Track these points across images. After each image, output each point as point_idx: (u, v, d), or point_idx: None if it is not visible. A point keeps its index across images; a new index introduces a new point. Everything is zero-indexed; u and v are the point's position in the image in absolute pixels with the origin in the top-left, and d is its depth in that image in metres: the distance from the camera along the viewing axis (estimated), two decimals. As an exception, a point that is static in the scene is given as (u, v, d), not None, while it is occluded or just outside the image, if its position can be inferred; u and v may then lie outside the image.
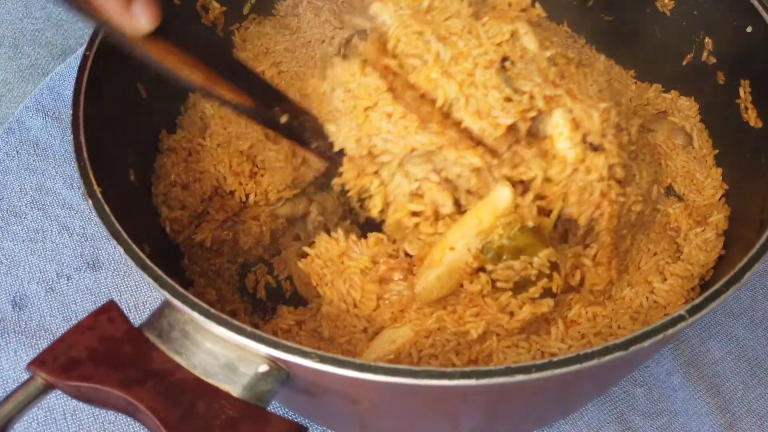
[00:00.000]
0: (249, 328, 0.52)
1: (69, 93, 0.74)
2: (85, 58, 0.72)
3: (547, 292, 0.68)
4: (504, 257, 0.67)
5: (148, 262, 0.56)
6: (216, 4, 0.94)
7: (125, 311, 0.56)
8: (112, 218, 0.59)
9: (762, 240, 0.55)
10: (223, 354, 0.54)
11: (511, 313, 0.69)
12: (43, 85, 1.13)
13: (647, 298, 0.72)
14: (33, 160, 1.06)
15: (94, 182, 0.62)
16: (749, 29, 0.75)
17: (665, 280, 0.73)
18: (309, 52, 0.94)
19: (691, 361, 0.86)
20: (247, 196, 0.83)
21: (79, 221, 1.01)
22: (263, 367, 0.54)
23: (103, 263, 0.97)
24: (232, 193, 0.83)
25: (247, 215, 0.86)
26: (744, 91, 0.78)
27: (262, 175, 0.84)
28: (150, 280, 0.55)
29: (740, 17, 0.76)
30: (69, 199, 1.03)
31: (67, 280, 0.97)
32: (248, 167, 0.84)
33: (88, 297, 0.95)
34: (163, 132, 0.88)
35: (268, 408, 0.54)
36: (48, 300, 0.94)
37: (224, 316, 0.53)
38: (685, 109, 0.89)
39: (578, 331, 0.69)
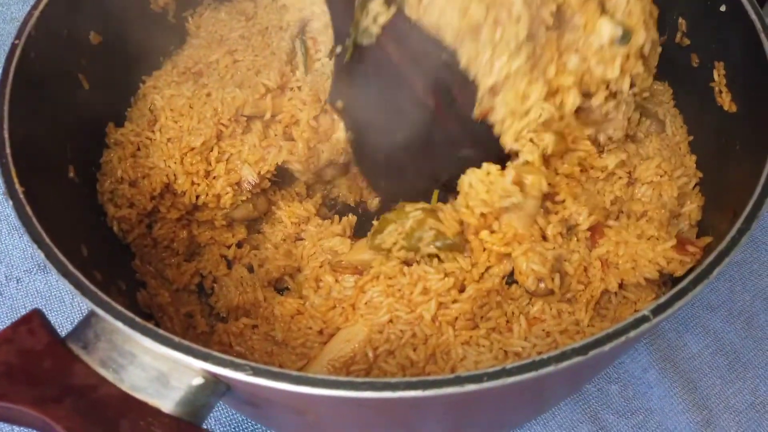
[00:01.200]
0: (177, 339, 0.48)
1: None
2: (13, 47, 0.67)
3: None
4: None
5: (71, 267, 0.52)
6: (164, -12, 0.88)
7: (76, 315, 0.52)
8: (34, 220, 0.54)
9: (731, 234, 0.52)
10: (153, 366, 0.50)
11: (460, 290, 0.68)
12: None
13: (616, 293, 0.68)
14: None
15: (15, 181, 0.57)
16: (723, 8, 0.72)
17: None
18: (265, 40, 0.89)
19: (668, 356, 0.83)
20: (197, 197, 0.79)
21: (29, 220, 0.96)
22: (197, 380, 0.49)
23: (54, 264, 0.92)
24: (183, 192, 0.79)
25: (202, 215, 0.82)
26: (718, 74, 0.74)
27: (215, 177, 0.79)
28: (71, 287, 0.51)
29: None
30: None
31: (17, 282, 0.92)
32: (203, 167, 0.79)
33: (39, 300, 0.90)
34: (109, 125, 0.83)
35: (204, 424, 0.50)
36: (-5, 304, 0.89)
37: (150, 326, 0.49)
38: (659, 94, 0.85)
39: (542, 328, 0.66)
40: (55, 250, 0.53)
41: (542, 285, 0.66)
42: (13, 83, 0.65)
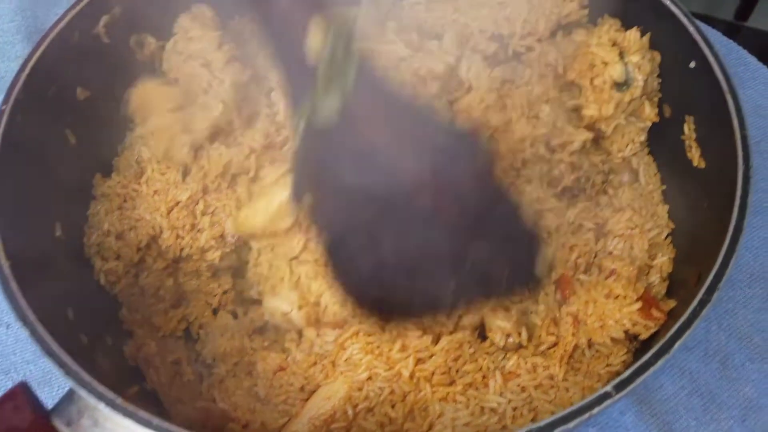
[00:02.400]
0: (156, 420, 0.50)
1: None
2: (0, 112, 0.69)
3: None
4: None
5: (54, 348, 0.54)
6: (151, 39, 0.90)
7: None
8: (18, 297, 0.56)
9: (692, 305, 0.54)
10: (136, 443, 0.51)
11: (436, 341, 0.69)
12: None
13: (589, 347, 0.70)
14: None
15: (2, 255, 0.59)
16: (692, 64, 0.73)
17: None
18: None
19: (644, 398, 0.85)
20: (181, 249, 0.80)
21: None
22: (180, 456, 0.51)
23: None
24: (168, 247, 0.80)
25: (187, 266, 0.83)
26: (689, 128, 0.76)
27: (200, 230, 0.81)
28: (56, 367, 0.53)
29: (684, 52, 0.74)
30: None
31: (6, 328, 0.93)
32: (189, 221, 0.81)
33: (28, 347, 0.92)
34: (97, 176, 0.85)
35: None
36: (-15, 351, 0.91)
37: (130, 407, 0.50)
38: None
39: (518, 383, 0.68)
40: (40, 329, 0.54)
41: (510, 340, 0.67)
42: (1, 150, 0.67)
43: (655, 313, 0.64)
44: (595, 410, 0.49)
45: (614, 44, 0.74)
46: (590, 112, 0.74)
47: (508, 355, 0.69)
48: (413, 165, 0.56)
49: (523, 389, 0.67)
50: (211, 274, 0.87)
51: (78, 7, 0.79)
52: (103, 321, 0.77)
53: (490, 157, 0.60)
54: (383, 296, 0.62)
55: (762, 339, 0.89)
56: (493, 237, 0.58)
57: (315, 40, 0.49)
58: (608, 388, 0.49)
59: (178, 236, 0.81)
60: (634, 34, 0.75)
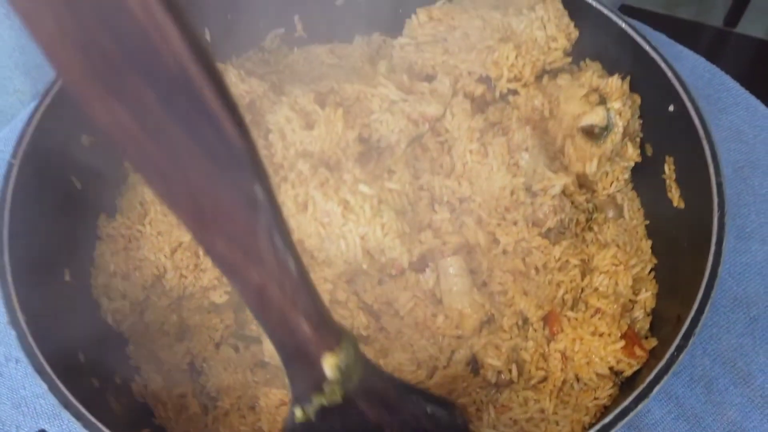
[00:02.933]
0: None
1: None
2: (10, 166, 0.72)
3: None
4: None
5: (71, 399, 0.57)
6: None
7: None
8: (36, 351, 0.59)
9: (670, 351, 0.57)
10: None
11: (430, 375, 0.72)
12: (7, 130, 1.13)
13: (577, 380, 0.73)
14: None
15: (17, 309, 0.62)
16: (671, 108, 0.77)
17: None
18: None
19: (632, 423, 0.88)
20: (185, 289, 0.83)
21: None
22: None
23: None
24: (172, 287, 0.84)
25: (190, 303, 0.87)
26: (669, 168, 0.80)
27: (203, 270, 0.84)
28: (72, 418, 0.56)
29: (663, 95, 0.78)
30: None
31: (16, 363, 0.96)
32: (192, 261, 0.84)
33: (37, 380, 0.94)
34: (101, 217, 0.88)
35: None
36: (-4, 386, 0.94)
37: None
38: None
39: (510, 417, 0.71)
40: (57, 381, 0.58)
41: (502, 376, 0.71)
42: (12, 204, 0.70)
43: (638, 351, 0.67)
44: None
45: (596, 90, 0.78)
46: (575, 168, 0.78)
47: (500, 389, 0.73)
48: None
49: (515, 422, 0.70)
50: (213, 309, 0.90)
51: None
52: (111, 359, 0.80)
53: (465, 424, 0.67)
54: None
55: (744, 363, 0.93)
56: None
57: (330, 365, 0.53)
58: (592, 432, 0.53)
59: (181, 276, 0.84)
60: (615, 81, 0.79)
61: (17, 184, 0.71)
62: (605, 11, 0.84)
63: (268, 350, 0.81)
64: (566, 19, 0.86)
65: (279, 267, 0.47)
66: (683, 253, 0.73)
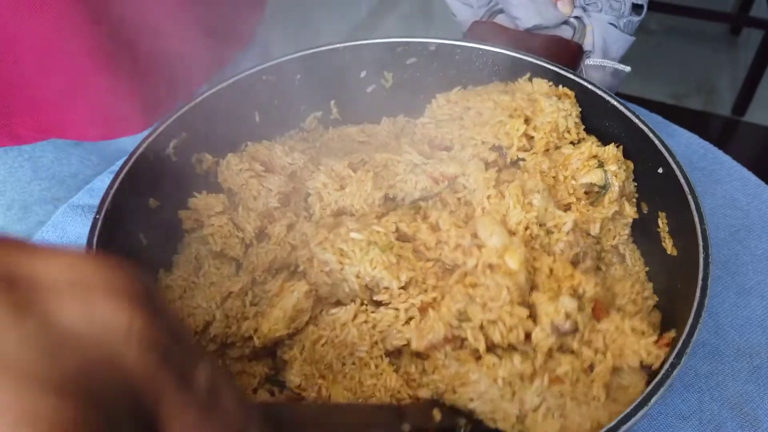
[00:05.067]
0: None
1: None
2: (95, 221, 0.85)
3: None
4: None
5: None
6: (209, 156, 1.07)
7: None
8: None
9: (663, 370, 0.65)
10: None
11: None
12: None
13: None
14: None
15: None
16: (660, 170, 0.89)
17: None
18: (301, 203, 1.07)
19: (645, 465, 0.94)
20: (227, 337, 0.93)
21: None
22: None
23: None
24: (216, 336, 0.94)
25: (233, 353, 0.96)
26: (662, 222, 0.90)
27: (246, 319, 0.94)
28: None
29: (652, 161, 0.90)
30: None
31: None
32: (240, 310, 0.95)
33: None
34: (160, 271, 1.00)
35: None
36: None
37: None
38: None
39: (560, 390, 0.76)
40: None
41: (568, 323, 0.76)
42: (95, 250, 0.82)
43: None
44: (587, 455, 0.59)
45: (595, 157, 0.90)
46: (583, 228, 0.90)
47: (561, 360, 0.78)
48: None
49: (562, 395, 0.75)
50: (254, 357, 0.99)
51: (153, 136, 0.97)
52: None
53: None
54: None
55: (751, 408, 0.99)
56: None
57: None
58: (598, 438, 0.61)
59: (227, 326, 0.95)
60: (611, 148, 0.92)
61: (100, 234, 0.83)
62: (600, 92, 0.98)
63: (291, 381, 0.91)
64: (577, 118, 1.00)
65: None
66: (679, 292, 0.82)
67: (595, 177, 0.88)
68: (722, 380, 1.03)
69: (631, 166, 0.93)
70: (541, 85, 0.99)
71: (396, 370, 0.85)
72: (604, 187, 0.89)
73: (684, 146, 1.38)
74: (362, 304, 0.87)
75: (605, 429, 0.61)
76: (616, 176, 0.89)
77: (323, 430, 0.71)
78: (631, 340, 0.78)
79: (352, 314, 0.87)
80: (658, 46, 3.97)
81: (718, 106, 3.80)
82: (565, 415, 0.74)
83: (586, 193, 0.90)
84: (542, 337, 0.76)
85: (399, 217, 0.88)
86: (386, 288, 0.84)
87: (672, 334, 0.79)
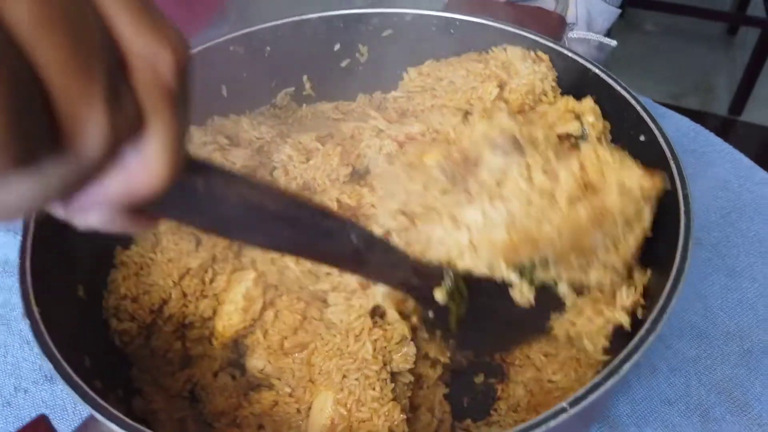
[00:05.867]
0: (161, 438, 0.56)
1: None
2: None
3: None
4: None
5: (75, 377, 0.61)
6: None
7: (77, 423, 0.60)
8: (46, 337, 0.64)
9: (639, 334, 0.60)
10: (142, 468, 0.57)
11: None
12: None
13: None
14: (1, 278, 1.12)
15: (33, 302, 0.67)
16: (642, 138, 0.84)
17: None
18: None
19: (628, 451, 0.88)
20: (185, 317, 0.88)
21: (41, 335, 1.06)
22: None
23: (60, 375, 1.01)
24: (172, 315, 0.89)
25: (191, 333, 0.91)
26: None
27: (205, 296, 0.89)
28: (74, 394, 0.60)
29: (634, 129, 0.85)
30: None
31: (24, 393, 1.00)
32: (199, 288, 0.90)
33: (44, 410, 0.98)
34: (117, 248, 0.95)
35: None
36: (4, 415, 0.97)
37: (141, 427, 0.57)
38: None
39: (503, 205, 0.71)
40: (63, 362, 0.62)
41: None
42: (35, 220, 0.77)
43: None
44: (551, 423, 0.54)
45: (571, 111, 0.86)
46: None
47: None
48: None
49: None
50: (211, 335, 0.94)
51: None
52: (115, 376, 0.84)
53: None
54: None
55: (741, 393, 0.93)
56: None
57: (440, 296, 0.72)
58: (564, 403, 0.55)
59: (183, 305, 0.89)
60: (588, 101, 0.88)
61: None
62: (582, 61, 0.93)
63: (249, 368, 0.86)
64: (554, 82, 0.95)
65: (384, 255, 0.65)
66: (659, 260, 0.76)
67: (572, 127, 0.84)
68: (711, 364, 0.97)
69: (608, 126, 0.88)
70: (515, 51, 0.95)
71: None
72: (582, 137, 0.85)
73: (674, 129, 1.33)
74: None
75: (587, 387, 0.55)
76: (593, 126, 0.84)
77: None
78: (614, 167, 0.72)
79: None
80: (655, 46, 3.93)
81: (715, 105, 3.76)
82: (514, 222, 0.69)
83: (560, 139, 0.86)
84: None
85: (340, 190, 0.84)
86: (328, 273, 0.79)
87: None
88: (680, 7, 3.63)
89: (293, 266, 0.82)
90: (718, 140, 1.32)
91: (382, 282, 0.71)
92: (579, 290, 0.74)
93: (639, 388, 0.94)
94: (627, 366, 0.58)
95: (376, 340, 0.76)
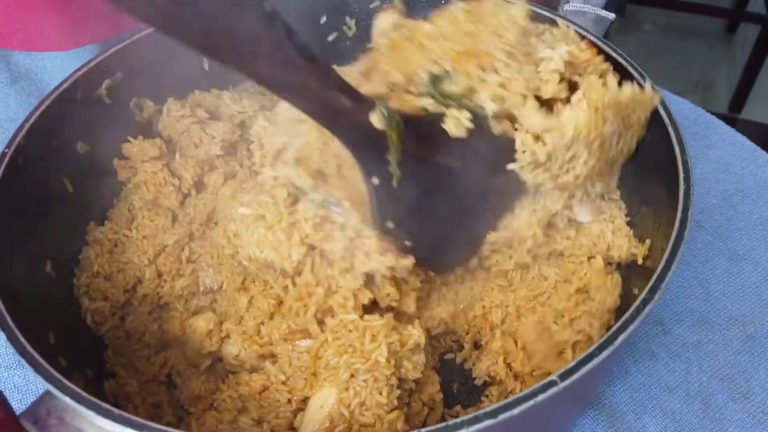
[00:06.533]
0: (117, 412, 0.51)
1: None
2: (2, 155, 0.75)
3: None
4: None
5: (29, 348, 0.56)
6: (150, 103, 0.98)
7: None
8: (3, 310, 0.60)
9: (635, 304, 0.56)
10: (100, 442, 0.53)
11: None
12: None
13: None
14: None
15: (-11, 272, 0.63)
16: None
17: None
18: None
19: (627, 439, 0.84)
20: (159, 298, 0.84)
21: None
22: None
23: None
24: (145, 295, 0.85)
25: (167, 315, 0.87)
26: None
27: (181, 275, 0.85)
28: (27, 365, 0.55)
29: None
30: None
31: (-4, 378, 0.95)
32: (175, 266, 0.85)
33: (16, 395, 0.93)
34: (90, 224, 0.90)
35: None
36: (-28, 399, 0.92)
37: (95, 400, 0.52)
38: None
39: None
40: (17, 333, 0.57)
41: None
42: (1, 187, 0.73)
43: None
44: (540, 398, 0.49)
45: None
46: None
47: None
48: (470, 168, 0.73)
49: None
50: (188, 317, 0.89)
51: (83, 70, 0.87)
52: (87, 357, 0.80)
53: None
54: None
55: (744, 379, 0.89)
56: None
57: (376, 119, 0.66)
58: (554, 376, 0.51)
59: (159, 284, 0.85)
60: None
61: (7, 169, 0.74)
62: (581, 31, 0.89)
63: (225, 354, 0.82)
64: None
65: (308, 63, 0.57)
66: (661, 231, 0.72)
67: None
68: (712, 350, 0.93)
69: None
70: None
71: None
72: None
73: (675, 110, 1.29)
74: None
75: (578, 359, 0.51)
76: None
77: None
78: None
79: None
80: (654, 45, 3.90)
81: (715, 103, 3.73)
82: None
83: None
84: None
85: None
86: (283, 270, 0.75)
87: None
88: (680, 4, 3.60)
89: (246, 263, 0.78)
90: (720, 123, 1.28)
91: (303, 98, 0.61)
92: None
93: (637, 374, 0.90)
94: (623, 336, 0.54)
95: (391, 343, 0.71)
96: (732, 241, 1.06)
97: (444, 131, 0.71)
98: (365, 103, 0.65)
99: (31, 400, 0.55)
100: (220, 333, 0.84)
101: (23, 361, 0.56)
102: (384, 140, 0.67)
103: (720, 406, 0.87)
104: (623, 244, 0.78)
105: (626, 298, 0.76)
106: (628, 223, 0.82)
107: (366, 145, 0.67)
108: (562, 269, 0.82)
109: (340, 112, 0.63)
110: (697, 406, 0.87)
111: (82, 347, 0.81)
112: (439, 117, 0.71)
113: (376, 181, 0.70)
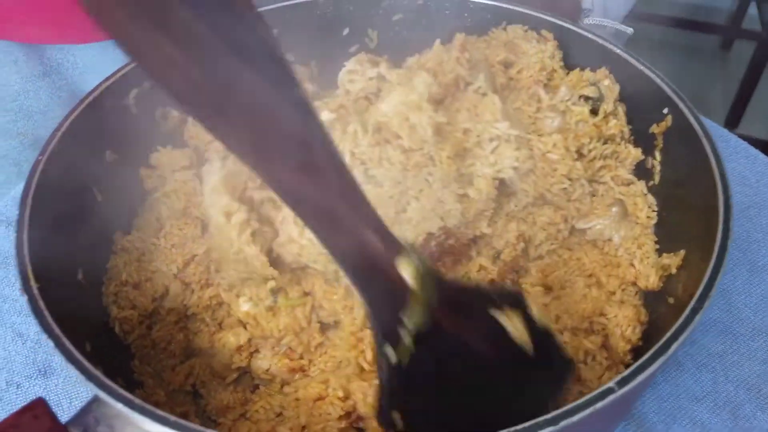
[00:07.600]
0: (173, 418, 0.51)
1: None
2: (37, 162, 0.75)
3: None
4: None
5: (78, 355, 0.56)
6: (175, 113, 0.98)
7: None
8: (46, 313, 0.59)
9: (685, 313, 0.56)
10: (150, 450, 0.52)
11: None
12: (8, 198, 1.16)
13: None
14: (-10, 269, 1.07)
15: (31, 278, 0.62)
16: (665, 111, 0.83)
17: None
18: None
19: (657, 450, 0.84)
20: (187, 308, 0.84)
21: (34, 327, 0.99)
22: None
23: (54, 370, 0.95)
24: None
25: (194, 326, 0.86)
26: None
27: (209, 285, 0.85)
28: (77, 372, 0.55)
29: (653, 102, 0.83)
30: (26, 306, 1.02)
31: (17, 388, 0.94)
32: (204, 277, 0.85)
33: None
34: (117, 233, 0.90)
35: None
36: (-6, 410, 0.91)
37: (148, 406, 0.52)
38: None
39: None
40: (63, 339, 0.57)
41: None
42: (34, 194, 0.72)
43: None
44: (599, 405, 0.49)
45: (584, 81, 0.86)
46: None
47: None
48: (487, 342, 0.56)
49: None
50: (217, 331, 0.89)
51: (110, 80, 0.87)
52: (116, 366, 0.78)
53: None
54: None
55: (770, 389, 0.89)
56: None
57: (407, 270, 0.51)
58: (612, 383, 0.51)
59: (187, 294, 0.85)
60: (603, 70, 0.88)
61: (41, 177, 0.73)
62: (601, 41, 0.90)
63: (254, 368, 0.82)
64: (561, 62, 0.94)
65: (338, 178, 0.46)
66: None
67: (588, 90, 0.85)
68: (738, 360, 0.93)
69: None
70: (516, 30, 0.94)
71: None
72: (598, 100, 0.86)
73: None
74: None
75: (634, 367, 0.51)
76: (609, 89, 0.85)
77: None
78: None
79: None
80: (650, 61, 3.96)
81: (711, 119, 3.78)
82: None
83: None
84: None
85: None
86: None
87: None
88: (675, 21, 3.64)
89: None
90: (733, 136, 1.29)
91: (329, 228, 0.49)
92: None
93: (665, 384, 0.90)
94: (675, 345, 0.54)
95: None
96: (751, 253, 1.07)
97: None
98: (395, 245, 0.51)
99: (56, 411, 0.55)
100: (249, 348, 0.83)
101: (72, 368, 0.55)
102: (404, 298, 0.51)
103: (749, 416, 0.87)
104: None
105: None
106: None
107: (384, 294, 0.52)
108: None
109: (371, 257, 0.49)
110: (726, 415, 0.87)
111: (111, 357, 0.80)
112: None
113: (390, 352, 0.53)
